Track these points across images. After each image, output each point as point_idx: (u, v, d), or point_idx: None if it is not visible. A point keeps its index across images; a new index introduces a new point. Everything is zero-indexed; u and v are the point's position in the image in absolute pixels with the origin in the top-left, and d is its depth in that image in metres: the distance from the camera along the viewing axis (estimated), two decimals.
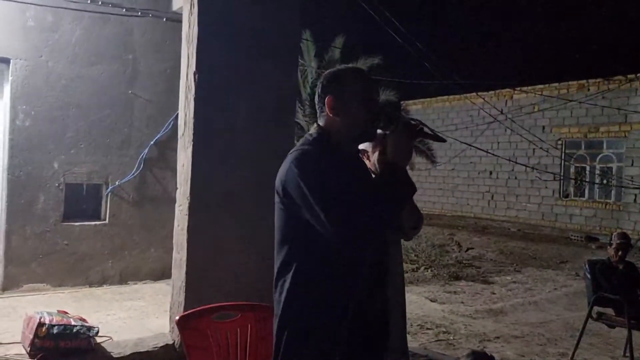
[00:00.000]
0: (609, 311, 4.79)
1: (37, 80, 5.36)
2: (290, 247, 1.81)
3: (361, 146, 2.24)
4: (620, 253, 4.81)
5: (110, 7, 5.66)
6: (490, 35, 19.63)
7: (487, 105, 13.66)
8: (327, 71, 1.95)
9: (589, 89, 13.76)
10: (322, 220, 1.66)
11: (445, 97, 17.36)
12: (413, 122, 1.77)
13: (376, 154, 2.15)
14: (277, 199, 1.85)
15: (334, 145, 1.85)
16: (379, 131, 1.89)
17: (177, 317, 2.49)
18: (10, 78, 5.25)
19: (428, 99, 17.91)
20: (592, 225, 13.68)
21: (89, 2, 5.53)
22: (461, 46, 20.08)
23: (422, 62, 10.05)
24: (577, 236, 13.24)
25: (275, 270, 1.87)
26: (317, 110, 1.91)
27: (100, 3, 5.60)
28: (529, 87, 14.66)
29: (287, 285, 1.80)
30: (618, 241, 4.85)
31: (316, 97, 1.91)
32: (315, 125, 1.93)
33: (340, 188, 1.69)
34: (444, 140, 1.88)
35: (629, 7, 15.73)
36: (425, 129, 1.78)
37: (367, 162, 2.31)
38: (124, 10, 5.74)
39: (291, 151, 1.85)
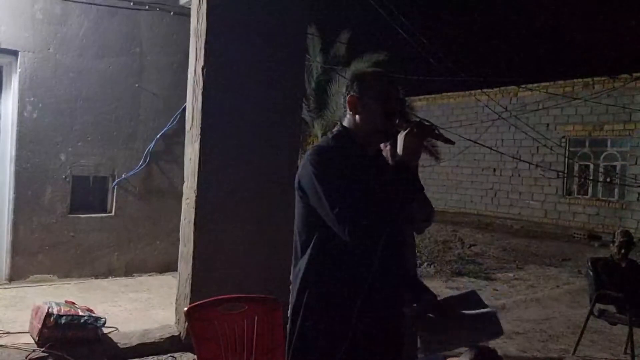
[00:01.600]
0: (611, 308, 4.81)
1: (45, 72, 5.40)
2: (307, 236, 1.87)
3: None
4: (623, 251, 4.83)
5: (119, 0, 5.68)
6: (495, 32, 19.57)
7: (492, 103, 13.64)
8: (355, 72, 2.07)
9: (594, 87, 13.72)
10: (332, 217, 1.73)
11: (450, 93, 17.33)
12: (426, 124, 1.83)
13: (388, 147, 2.20)
14: (295, 190, 1.93)
15: (354, 143, 1.92)
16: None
17: (186, 308, 2.52)
18: (18, 70, 5.28)
19: (433, 96, 17.87)
20: (595, 223, 13.68)
21: None
22: (466, 43, 20.03)
23: (427, 59, 10.05)
24: (580, 234, 13.24)
25: (293, 257, 1.95)
26: (342, 107, 2.02)
27: None
28: (534, 85, 14.63)
29: (301, 273, 1.87)
30: (621, 239, 4.87)
31: (342, 97, 2.01)
32: (339, 123, 2.01)
33: (352, 186, 1.74)
34: (452, 143, 1.94)
35: (635, 6, 15.66)
36: (436, 131, 1.83)
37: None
38: (132, 3, 5.77)
39: (312, 146, 1.94)
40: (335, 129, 1.99)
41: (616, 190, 13.59)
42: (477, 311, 2.02)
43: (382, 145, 2.38)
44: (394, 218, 1.80)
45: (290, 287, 1.96)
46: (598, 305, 4.78)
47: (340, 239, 1.74)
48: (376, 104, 1.90)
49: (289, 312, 1.94)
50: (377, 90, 1.92)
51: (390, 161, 2.12)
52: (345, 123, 1.98)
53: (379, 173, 1.85)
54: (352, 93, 1.93)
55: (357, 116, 1.93)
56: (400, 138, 1.81)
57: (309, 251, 1.86)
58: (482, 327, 2.03)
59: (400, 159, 1.79)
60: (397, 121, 1.88)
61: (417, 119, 1.91)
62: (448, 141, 1.91)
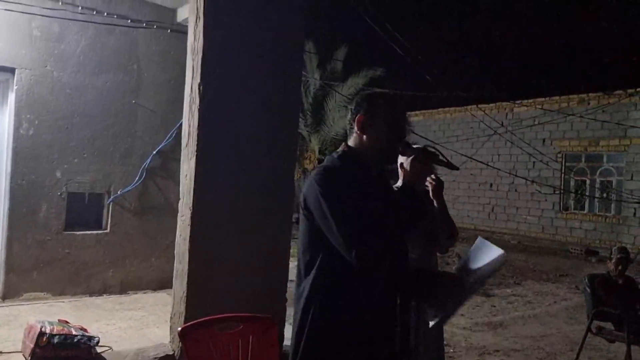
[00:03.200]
0: (609, 326, 4.79)
1: (42, 89, 5.41)
2: (311, 256, 1.86)
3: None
4: (620, 267, 4.83)
5: (116, 18, 5.72)
6: (491, 48, 19.74)
7: (488, 118, 13.71)
8: (362, 92, 2.06)
9: (589, 103, 13.82)
10: (339, 239, 1.73)
11: (447, 109, 17.43)
12: (430, 150, 1.87)
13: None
14: (300, 209, 1.92)
15: (360, 164, 1.92)
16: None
17: (180, 328, 2.50)
18: (15, 87, 5.29)
19: (429, 111, 17.97)
20: (592, 238, 13.68)
21: (94, 13, 5.59)
22: (462, 59, 20.18)
23: (424, 75, 10.12)
24: (577, 249, 13.23)
25: (296, 277, 1.94)
26: (348, 129, 2.01)
27: (105, 14, 5.66)
28: (530, 101, 14.73)
29: (305, 293, 1.86)
30: (618, 255, 4.87)
31: (348, 116, 1.99)
32: (343, 143, 2.01)
33: (360, 208, 1.74)
34: (456, 168, 1.94)
35: (630, 22, 15.84)
36: (440, 157, 1.86)
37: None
38: (130, 21, 5.80)
39: (317, 166, 1.94)
40: (340, 148, 1.99)
41: (613, 205, 13.62)
42: (488, 261, 2.00)
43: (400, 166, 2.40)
44: (401, 241, 1.82)
45: (294, 306, 1.94)
46: (596, 322, 4.77)
47: (345, 260, 1.73)
48: (386, 127, 1.90)
49: (292, 331, 1.92)
50: (388, 114, 1.92)
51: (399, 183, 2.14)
52: (351, 142, 1.97)
53: (383, 195, 1.86)
54: (362, 112, 1.93)
55: (364, 136, 1.92)
56: (407, 163, 1.84)
57: (313, 272, 1.84)
58: (494, 268, 2.02)
59: (407, 184, 1.83)
60: (399, 148, 1.90)
61: (422, 146, 1.92)
62: (451, 166, 1.91)
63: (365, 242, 1.70)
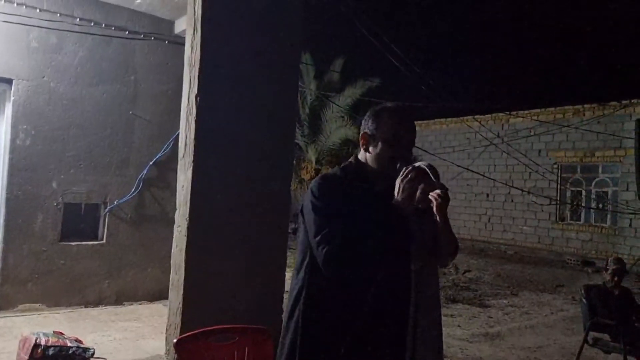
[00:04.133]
0: (605, 337, 4.79)
1: (39, 100, 5.42)
2: (302, 259, 1.89)
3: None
4: (615, 278, 4.83)
5: (114, 29, 5.75)
6: (486, 59, 19.88)
7: (484, 129, 13.78)
8: (376, 107, 2.02)
9: (584, 114, 13.90)
10: (314, 246, 1.77)
11: (443, 119, 17.49)
12: (423, 167, 1.84)
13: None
14: (300, 213, 1.95)
15: (362, 177, 1.93)
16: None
17: (175, 340, 2.49)
18: (12, 98, 5.30)
19: (426, 121, 18.02)
20: (589, 249, 13.70)
21: (92, 24, 5.62)
22: (459, 70, 20.32)
23: (420, 85, 10.19)
24: (574, 260, 13.24)
25: (292, 281, 1.95)
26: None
27: (103, 26, 5.69)
28: (525, 112, 14.80)
29: (294, 292, 1.88)
30: (614, 267, 4.88)
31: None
32: (354, 154, 2.03)
33: (344, 219, 1.75)
34: (446, 189, 1.91)
35: (624, 34, 15.99)
36: (431, 176, 1.85)
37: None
38: (127, 32, 5.83)
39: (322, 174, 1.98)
40: (350, 159, 2.01)
41: (609, 216, 13.66)
42: None
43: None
44: (374, 258, 1.78)
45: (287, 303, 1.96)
46: (592, 334, 4.76)
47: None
48: (384, 143, 1.90)
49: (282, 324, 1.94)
50: (388, 128, 1.91)
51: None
52: (359, 156, 1.99)
53: (376, 208, 1.82)
54: (365, 130, 1.94)
55: (367, 153, 1.94)
56: (397, 181, 1.82)
57: (301, 274, 1.88)
58: None
59: (395, 203, 1.80)
60: (397, 165, 1.87)
61: (416, 164, 1.88)
62: (442, 187, 1.90)
63: (334, 253, 1.71)
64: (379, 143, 1.91)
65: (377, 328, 1.85)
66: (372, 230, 1.75)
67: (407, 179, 1.81)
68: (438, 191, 2.86)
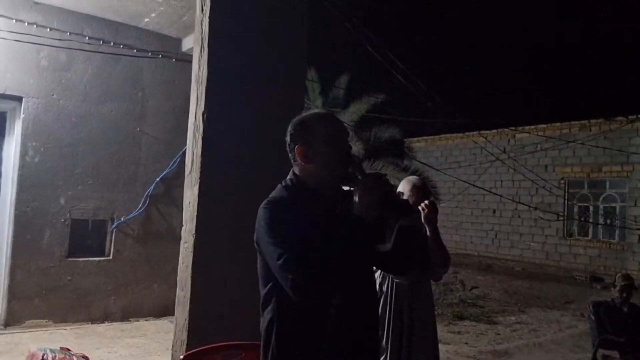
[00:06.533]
0: (615, 354, 4.73)
1: (48, 117, 5.49)
2: (267, 290, 1.81)
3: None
4: (624, 295, 4.79)
5: (122, 48, 5.83)
6: (492, 74, 19.94)
7: (490, 144, 13.77)
8: (294, 119, 1.92)
9: (590, 129, 13.88)
10: (278, 272, 1.66)
11: (449, 135, 17.51)
12: (383, 178, 1.75)
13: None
14: (255, 245, 1.86)
15: (311, 192, 1.84)
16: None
17: (182, 356, 2.49)
18: (22, 115, 5.37)
19: (431, 137, 18.06)
20: (597, 265, 13.58)
21: (101, 43, 5.71)
22: (464, 85, 20.39)
23: (425, 101, 10.23)
24: (582, 276, 13.12)
25: (261, 319, 1.88)
26: (290, 158, 1.90)
27: (112, 44, 5.77)
28: (531, 127, 14.79)
29: (264, 325, 1.82)
30: (622, 283, 4.83)
31: (287, 145, 1.89)
32: (291, 171, 1.91)
33: (300, 239, 1.67)
34: (412, 208, 1.89)
35: (631, 49, 16.02)
36: (388, 189, 1.74)
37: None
38: (135, 51, 5.92)
39: (267, 198, 1.84)
40: (288, 177, 1.90)
41: (617, 231, 13.55)
42: None
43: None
44: (340, 273, 1.70)
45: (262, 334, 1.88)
46: (601, 351, 4.71)
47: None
48: (328, 149, 1.81)
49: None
50: (325, 135, 1.83)
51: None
52: (298, 172, 1.88)
53: (329, 222, 1.74)
54: (300, 143, 1.83)
55: (310, 165, 1.83)
56: (355, 192, 1.74)
57: (270, 306, 1.79)
58: None
59: (356, 212, 1.71)
60: (350, 168, 1.81)
61: (374, 171, 1.84)
62: (405, 205, 1.85)
63: (301, 274, 1.61)
64: (322, 148, 1.81)
65: (350, 337, 1.80)
66: (336, 245, 1.67)
67: (365, 186, 1.72)
68: (426, 201, 2.84)
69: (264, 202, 1.82)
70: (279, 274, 1.67)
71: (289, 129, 1.89)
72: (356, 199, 1.72)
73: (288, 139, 1.88)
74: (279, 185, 1.91)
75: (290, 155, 1.90)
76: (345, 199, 1.84)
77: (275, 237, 1.70)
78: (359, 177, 1.79)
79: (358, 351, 1.82)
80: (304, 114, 1.96)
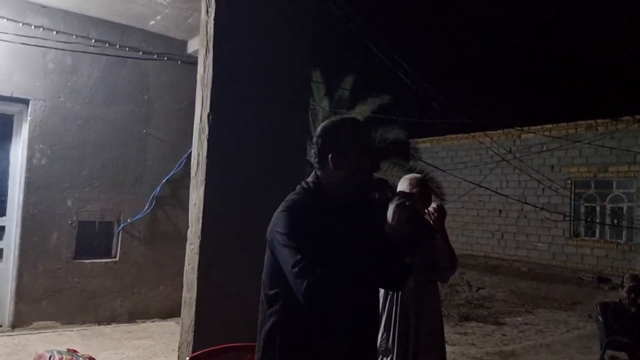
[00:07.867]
0: (623, 355, 4.71)
1: (54, 120, 5.52)
2: (275, 291, 1.79)
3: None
4: (632, 296, 4.77)
5: (128, 50, 5.86)
6: (497, 74, 19.88)
7: (496, 145, 13.73)
8: (323, 125, 1.91)
9: (597, 129, 13.80)
10: (291, 276, 1.65)
11: (454, 135, 17.46)
12: (412, 200, 1.80)
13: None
14: (267, 243, 1.85)
15: (329, 197, 1.82)
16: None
17: (188, 357, 2.50)
18: (29, 118, 5.40)
19: (437, 138, 18.01)
20: (604, 265, 13.49)
21: (107, 45, 5.74)
22: (469, 86, 20.33)
23: (430, 102, 10.21)
24: (589, 276, 13.05)
25: (260, 311, 1.87)
26: (315, 162, 1.88)
27: (118, 47, 5.80)
28: (537, 127, 14.73)
29: (267, 327, 1.81)
30: (630, 284, 4.81)
31: (314, 149, 1.87)
32: (313, 173, 1.89)
33: (318, 246, 1.66)
34: (434, 237, 1.91)
35: (637, 48, 15.92)
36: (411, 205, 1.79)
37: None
38: (141, 53, 5.94)
39: (285, 199, 1.82)
40: (310, 179, 1.87)
41: (624, 232, 13.47)
42: None
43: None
44: (356, 286, 1.70)
45: (257, 336, 1.87)
46: (609, 352, 4.69)
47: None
48: (358, 157, 1.81)
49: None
50: (360, 142, 1.83)
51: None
52: (321, 175, 1.85)
53: (350, 230, 1.74)
54: (331, 150, 1.81)
55: (339, 171, 1.81)
56: (391, 208, 1.76)
57: (276, 307, 1.77)
58: None
59: (389, 231, 1.74)
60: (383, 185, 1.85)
61: (398, 198, 1.83)
62: (429, 226, 1.89)
63: (315, 282, 1.59)
64: (353, 157, 1.80)
65: (354, 345, 1.80)
66: (355, 257, 1.67)
67: (402, 207, 1.75)
68: (434, 205, 2.88)
69: (283, 203, 1.79)
70: (292, 279, 1.64)
71: (319, 132, 1.87)
72: (390, 217, 1.74)
73: (318, 144, 1.85)
74: (299, 187, 1.88)
75: (315, 158, 1.86)
76: (370, 209, 1.84)
77: (292, 241, 1.67)
78: (390, 194, 1.81)
79: (358, 356, 1.83)
80: (334, 119, 1.95)
